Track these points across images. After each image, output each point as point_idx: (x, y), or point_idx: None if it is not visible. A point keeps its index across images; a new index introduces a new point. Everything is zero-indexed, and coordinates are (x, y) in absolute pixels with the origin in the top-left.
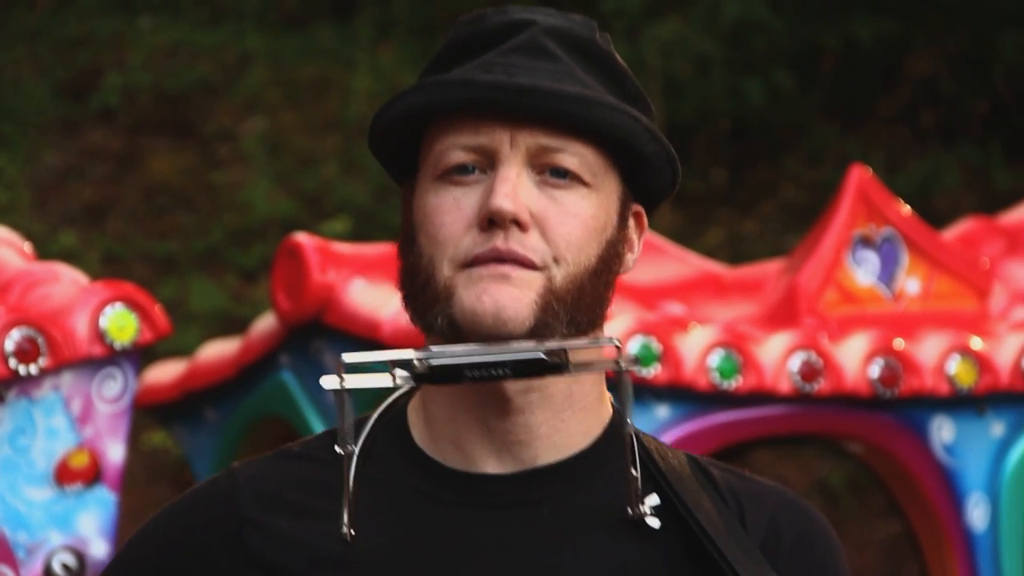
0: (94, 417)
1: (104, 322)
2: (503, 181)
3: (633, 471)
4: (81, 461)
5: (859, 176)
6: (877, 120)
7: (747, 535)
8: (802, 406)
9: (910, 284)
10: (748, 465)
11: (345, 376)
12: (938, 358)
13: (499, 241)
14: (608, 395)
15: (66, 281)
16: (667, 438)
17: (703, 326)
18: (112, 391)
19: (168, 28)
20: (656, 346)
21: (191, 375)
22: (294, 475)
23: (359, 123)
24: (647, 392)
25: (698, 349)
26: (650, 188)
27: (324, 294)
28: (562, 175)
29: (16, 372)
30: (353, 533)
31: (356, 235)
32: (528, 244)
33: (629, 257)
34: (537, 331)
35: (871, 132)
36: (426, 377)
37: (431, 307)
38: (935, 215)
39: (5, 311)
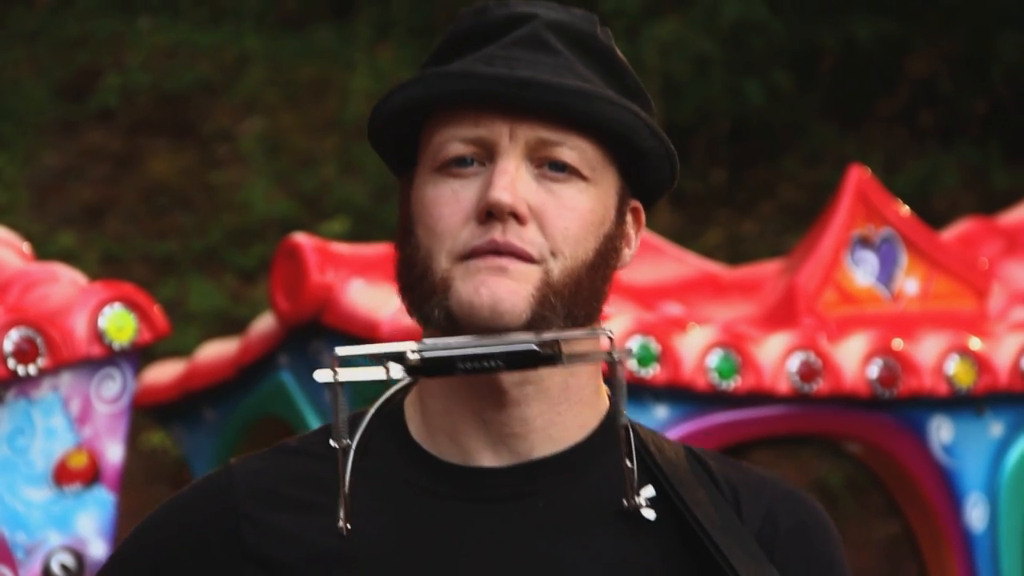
0: (93, 417)
1: (103, 322)
2: (502, 174)
3: (628, 463)
4: (80, 461)
5: (858, 176)
6: (876, 120)
7: (744, 526)
8: (801, 406)
9: (909, 284)
10: None
11: (339, 370)
12: (937, 358)
13: (497, 234)
14: (605, 388)
15: (65, 281)
16: None
17: (702, 326)
18: (111, 391)
19: (167, 28)
20: (655, 346)
21: (190, 375)
22: (291, 470)
23: (358, 123)
24: (646, 392)
25: (697, 349)
26: (648, 184)
27: (323, 294)
28: (561, 169)
29: (15, 372)
30: (349, 527)
31: (355, 235)
32: (526, 237)
33: (626, 252)
34: (534, 324)
35: (870, 132)
36: (419, 370)
37: (428, 299)
38: (934, 215)
39: (4, 311)
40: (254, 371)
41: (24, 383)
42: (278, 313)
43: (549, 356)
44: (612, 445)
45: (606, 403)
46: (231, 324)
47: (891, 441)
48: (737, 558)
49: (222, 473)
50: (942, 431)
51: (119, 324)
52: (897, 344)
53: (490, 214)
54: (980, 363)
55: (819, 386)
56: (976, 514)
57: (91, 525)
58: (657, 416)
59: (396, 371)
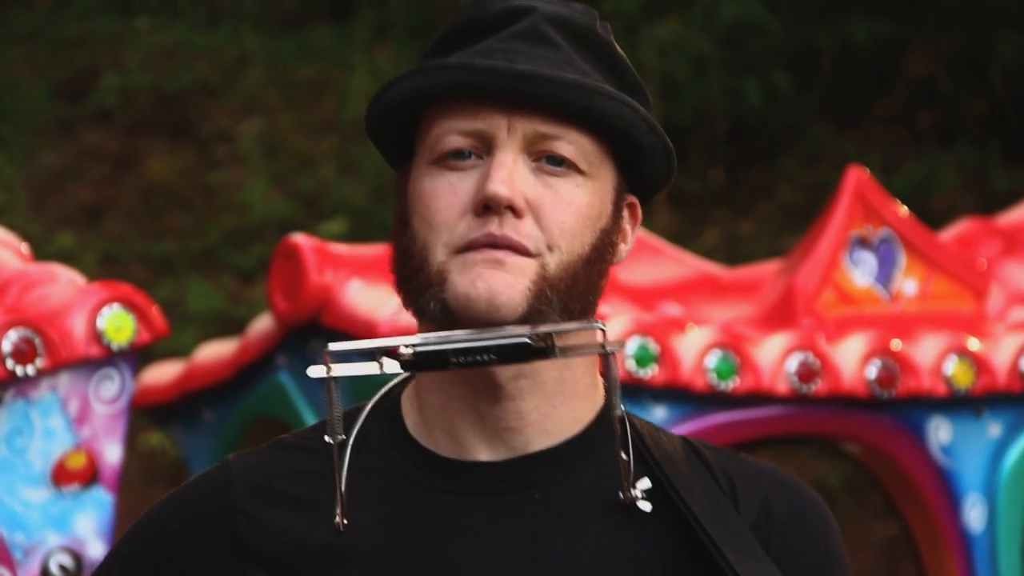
0: (91, 418)
1: (101, 323)
2: (499, 167)
3: (624, 455)
4: (78, 462)
5: (856, 177)
6: (874, 121)
7: (740, 517)
8: (799, 407)
9: (907, 285)
10: None
11: (332, 365)
12: (935, 359)
13: (494, 227)
14: (601, 381)
15: (63, 282)
16: None
17: (700, 327)
18: (109, 392)
19: (165, 29)
20: (653, 347)
21: (188, 376)
22: (288, 466)
23: (357, 124)
24: (644, 393)
25: (695, 350)
26: (646, 179)
27: (321, 295)
28: (558, 163)
29: (13, 373)
30: (346, 523)
31: (353, 236)
32: (523, 230)
33: (622, 248)
34: (530, 318)
35: (868, 133)
36: (412, 364)
37: (424, 292)
38: (932, 216)
39: (2, 312)
40: (253, 371)
41: (22, 383)
42: (276, 313)
43: (541, 349)
44: (608, 438)
45: (602, 396)
46: (230, 325)
47: (889, 441)
48: (731, 550)
49: (219, 469)
50: (940, 431)
51: (117, 324)
52: (896, 344)
53: (487, 207)
54: (978, 364)
55: (817, 386)
56: (974, 514)
57: (89, 526)
58: (656, 417)
59: (389, 366)
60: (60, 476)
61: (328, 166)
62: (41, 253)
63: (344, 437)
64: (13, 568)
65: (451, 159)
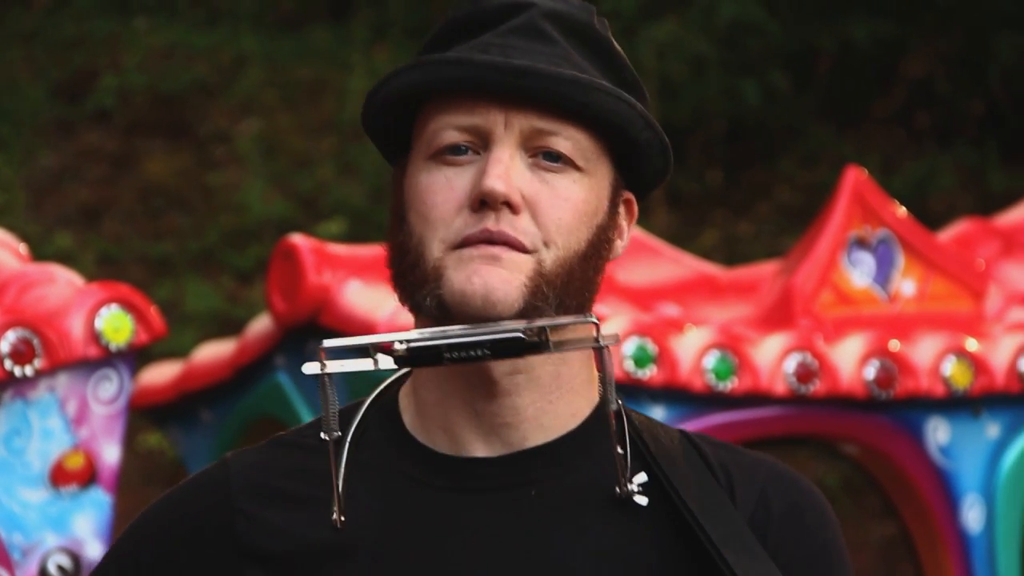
0: (89, 418)
1: (100, 323)
2: (496, 163)
3: (620, 450)
4: (76, 462)
5: (854, 177)
6: (873, 121)
7: (736, 510)
8: (797, 408)
9: (905, 286)
10: None
11: (327, 362)
12: (933, 360)
13: (490, 223)
14: (598, 376)
15: (61, 282)
16: None
17: (698, 327)
18: (107, 392)
19: (164, 29)
20: (651, 347)
21: (187, 376)
22: (286, 463)
23: (355, 124)
24: (642, 394)
25: (694, 351)
26: (642, 175)
27: (320, 295)
28: (555, 159)
29: (11, 373)
30: (343, 520)
31: (352, 236)
32: (519, 227)
33: (618, 244)
34: (526, 314)
35: (867, 133)
36: (407, 360)
37: (420, 288)
38: (931, 216)
39: (1, 313)
40: (251, 372)
41: (21, 384)
42: (275, 314)
43: (535, 344)
44: (605, 433)
45: (599, 392)
46: (228, 325)
47: (888, 442)
48: (726, 544)
49: (217, 467)
50: (939, 432)
51: (116, 325)
52: (894, 345)
53: (483, 203)
54: (977, 364)
55: (816, 387)
56: (973, 515)
57: (88, 526)
58: (654, 417)
59: (384, 362)
60: (58, 477)
61: (326, 166)
62: (39, 253)
63: (340, 434)
64: (11, 568)
65: (448, 154)
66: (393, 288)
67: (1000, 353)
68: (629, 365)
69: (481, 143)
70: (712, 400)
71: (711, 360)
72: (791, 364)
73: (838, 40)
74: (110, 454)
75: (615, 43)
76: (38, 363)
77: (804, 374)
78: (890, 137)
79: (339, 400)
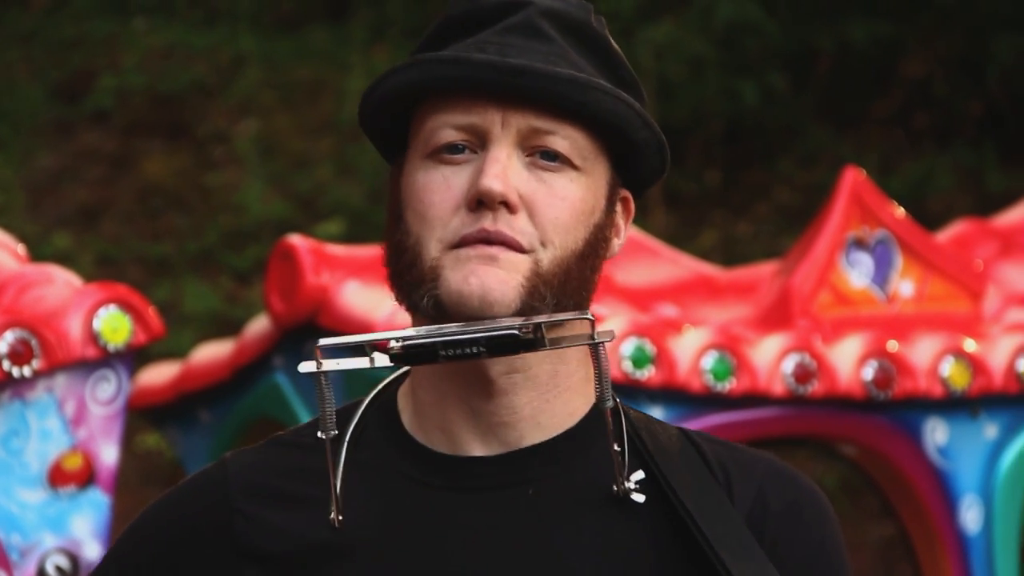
0: (87, 419)
1: (98, 324)
2: (493, 162)
3: (616, 447)
4: (74, 463)
5: (853, 178)
6: (871, 122)
7: (733, 507)
8: (796, 408)
9: (904, 286)
10: None
11: (323, 360)
12: (932, 360)
13: (487, 222)
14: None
15: (60, 283)
16: None
17: (697, 328)
18: (106, 393)
19: (162, 30)
20: (650, 348)
21: (185, 377)
22: (284, 463)
23: (353, 125)
24: (641, 394)
25: (692, 351)
26: (640, 174)
27: (318, 296)
28: (552, 158)
29: (9, 374)
30: (341, 519)
31: (350, 237)
32: (516, 226)
33: (615, 242)
34: (523, 314)
35: (865, 134)
36: (402, 358)
37: (417, 288)
38: (929, 217)
39: None
40: (249, 373)
41: (19, 385)
42: (273, 315)
43: (530, 341)
44: (602, 431)
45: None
46: (226, 326)
47: (886, 443)
48: (721, 542)
49: (216, 467)
50: (937, 433)
51: (114, 326)
52: (892, 346)
53: (481, 202)
54: (975, 365)
55: (814, 388)
56: (971, 516)
57: (86, 527)
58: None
59: (380, 360)
60: (56, 477)
61: (325, 167)
62: (38, 254)
63: (337, 432)
64: (9, 569)
65: (445, 153)
66: (390, 287)
67: (998, 354)
68: (627, 366)
69: (478, 142)
70: (710, 401)
71: (709, 360)
72: (789, 364)
73: (836, 41)
74: (108, 455)
75: (612, 41)
76: (36, 364)
77: (802, 374)
78: (888, 138)
79: (336, 399)
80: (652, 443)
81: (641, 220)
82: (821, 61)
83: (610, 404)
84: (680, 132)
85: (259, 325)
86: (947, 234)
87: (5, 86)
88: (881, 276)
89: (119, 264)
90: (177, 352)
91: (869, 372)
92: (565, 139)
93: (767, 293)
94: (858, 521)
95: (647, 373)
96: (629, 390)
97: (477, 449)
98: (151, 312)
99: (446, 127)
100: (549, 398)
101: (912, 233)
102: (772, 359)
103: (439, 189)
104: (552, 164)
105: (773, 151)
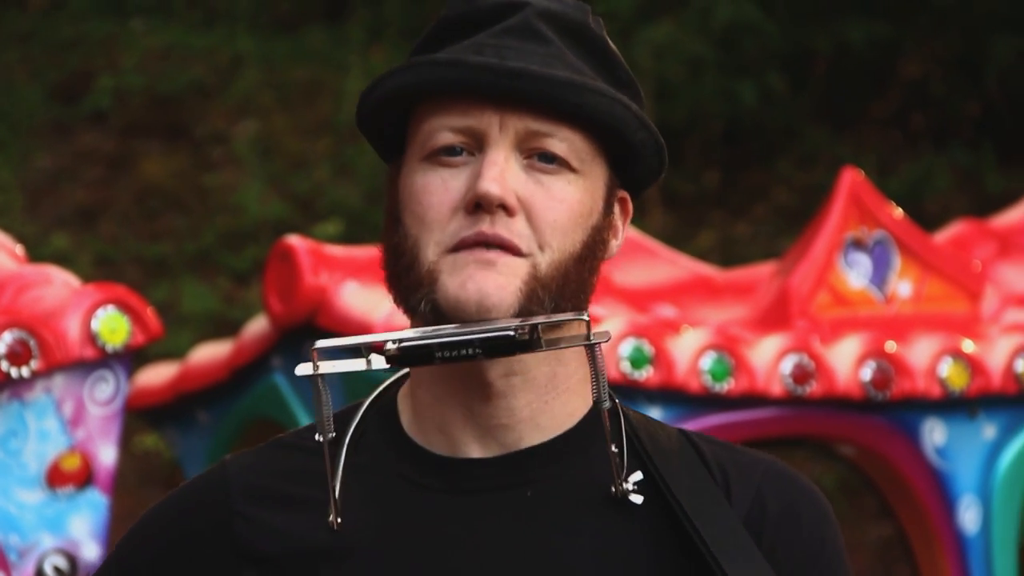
0: (86, 419)
1: (96, 325)
2: (491, 165)
3: (614, 448)
4: (73, 464)
5: (851, 179)
6: (869, 123)
7: (732, 509)
8: (794, 409)
9: (902, 287)
10: None
11: (320, 363)
12: (930, 361)
13: (485, 225)
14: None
15: (58, 284)
16: None
17: (695, 328)
18: (104, 394)
19: (160, 31)
20: (648, 348)
21: (183, 378)
22: (284, 465)
23: (351, 126)
24: (639, 395)
25: (690, 352)
26: (637, 175)
27: (316, 297)
28: (550, 160)
29: (8, 375)
30: (339, 522)
31: (348, 237)
32: (514, 229)
33: (613, 243)
34: (521, 318)
35: (863, 135)
36: (398, 359)
37: (415, 291)
38: (927, 218)
39: None
40: (247, 373)
41: (17, 385)
42: (271, 315)
43: (526, 342)
44: (601, 432)
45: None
46: (224, 326)
47: (884, 443)
48: (717, 543)
49: (217, 470)
50: (935, 433)
51: (112, 326)
52: (890, 346)
53: (478, 205)
54: (973, 365)
55: (812, 388)
56: (969, 516)
57: (84, 527)
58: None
59: (376, 362)
60: (55, 478)
61: (323, 168)
62: (36, 255)
63: (334, 435)
64: (8, 570)
65: (442, 155)
66: (388, 290)
67: (996, 354)
68: (625, 366)
69: (476, 144)
70: (708, 401)
71: (707, 361)
72: (787, 365)
73: (834, 42)
74: (106, 455)
75: (610, 42)
76: (34, 364)
77: (800, 375)
78: (886, 138)
79: (336, 399)
80: (651, 444)
81: (639, 221)
82: (819, 62)
83: (607, 405)
84: (678, 133)
85: (257, 326)
86: (945, 235)
87: (3, 87)
88: (879, 277)
89: (117, 265)
90: (175, 353)
91: (867, 372)
92: (563, 141)
93: (765, 294)
94: (856, 521)
95: (645, 374)
96: (627, 390)
97: (475, 451)
98: (149, 313)
99: (444, 129)
100: (548, 400)
101: (910, 234)
102: (770, 360)
103: (437, 191)
104: (550, 166)
105: (771, 152)
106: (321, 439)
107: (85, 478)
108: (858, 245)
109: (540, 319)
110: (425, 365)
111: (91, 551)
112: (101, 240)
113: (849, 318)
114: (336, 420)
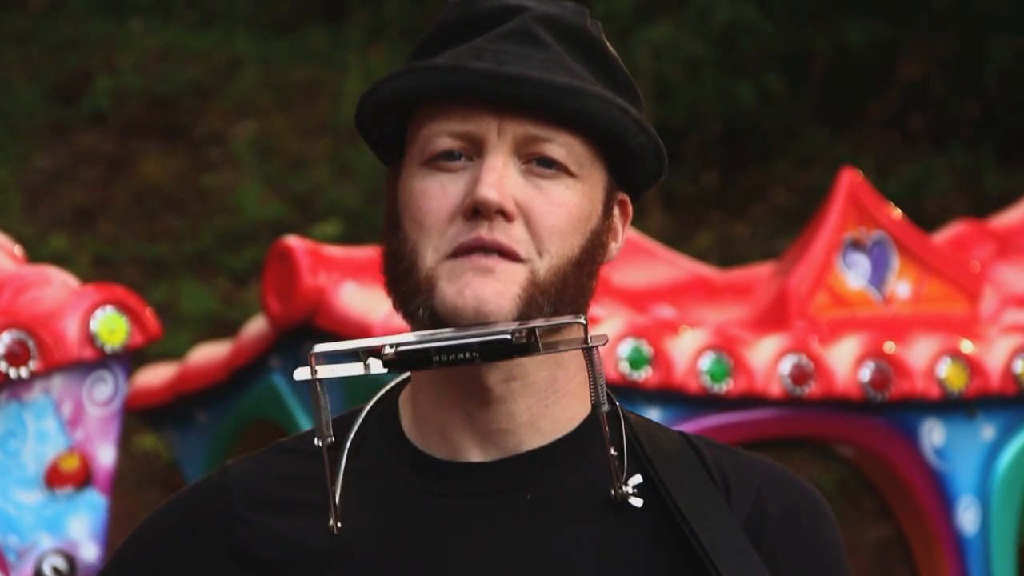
0: (85, 420)
1: (95, 325)
2: (489, 171)
3: (613, 451)
4: (71, 464)
5: (850, 179)
6: (868, 123)
7: (731, 512)
8: (793, 409)
9: (901, 287)
10: None
11: (318, 367)
12: (929, 361)
13: (483, 231)
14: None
15: (57, 284)
16: None
17: (694, 329)
18: (103, 394)
19: (159, 31)
20: (647, 349)
21: (182, 378)
22: (286, 470)
23: (350, 126)
24: (638, 395)
25: (689, 352)
26: (636, 178)
27: (315, 297)
28: (548, 165)
29: (7, 375)
30: (340, 526)
31: (347, 238)
32: (513, 235)
33: (613, 246)
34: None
35: (862, 135)
36: (396, 363)
37: (413, 297)
38: (926, 218)
39: None
40: (246, 374)
41: (16, 386)
42: (270, 316)
43: (523, 345)
44: (601, 436)
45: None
46: (223, 327)
47: (883, 444)
48: (716, 547)
49: (218, 475)
50: (934, 434)
51: (111, 327)
52: (889, 347)
53: (477, 211)
54: (972, 366)
55: (811, 389)
56: (968, 517)
57: (83, 528)
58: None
59: (374, 366)
60: (53, 478)
61: (322, 168)
62: (34, 255)
63: (333, 439)
64: (6, 570)
65: (441, 160)
66: (387, 294)
67: (995, 355)
68: (624, 367)
69: (474, 149)
70: (707, 402)
71: (706, 362)
72: (786, 366)
73: (833, 42)
74: (105, 456)
75: (608, 46)
76: (33, 365)
77: (799, 376)
78: (885, 139)
79: (335, 401)
80: (651, 447)
81: (638, 221)
82: (817, 62)
83: (605, 408)
84: (677, 133)
85: (256, 326)
86: (944, 235)
87: (2, 87)
88: (878, 277)
89: (116, 265)
90: (174, 353)
91: (866, 373)
92: (561, 146)
93: (764, 294)
94: (855, 522)
95: (644, 374)
96: (626, 391)
97: (475, 455)
98: (148, 313)
99: (442, 135)
100: (548, 404)
101: (909, 234)
102: (769, 360)
103: (436, 196)
104: (548, 171)
105: (770, 152)
106: (319, 443)
107: (84, 479)
108: (857, 246)
109: (537, 322)
110: (423, 369)
111: (90, 552)
112: (100, 240)
113: (848, 319)
114: (338, 424)
